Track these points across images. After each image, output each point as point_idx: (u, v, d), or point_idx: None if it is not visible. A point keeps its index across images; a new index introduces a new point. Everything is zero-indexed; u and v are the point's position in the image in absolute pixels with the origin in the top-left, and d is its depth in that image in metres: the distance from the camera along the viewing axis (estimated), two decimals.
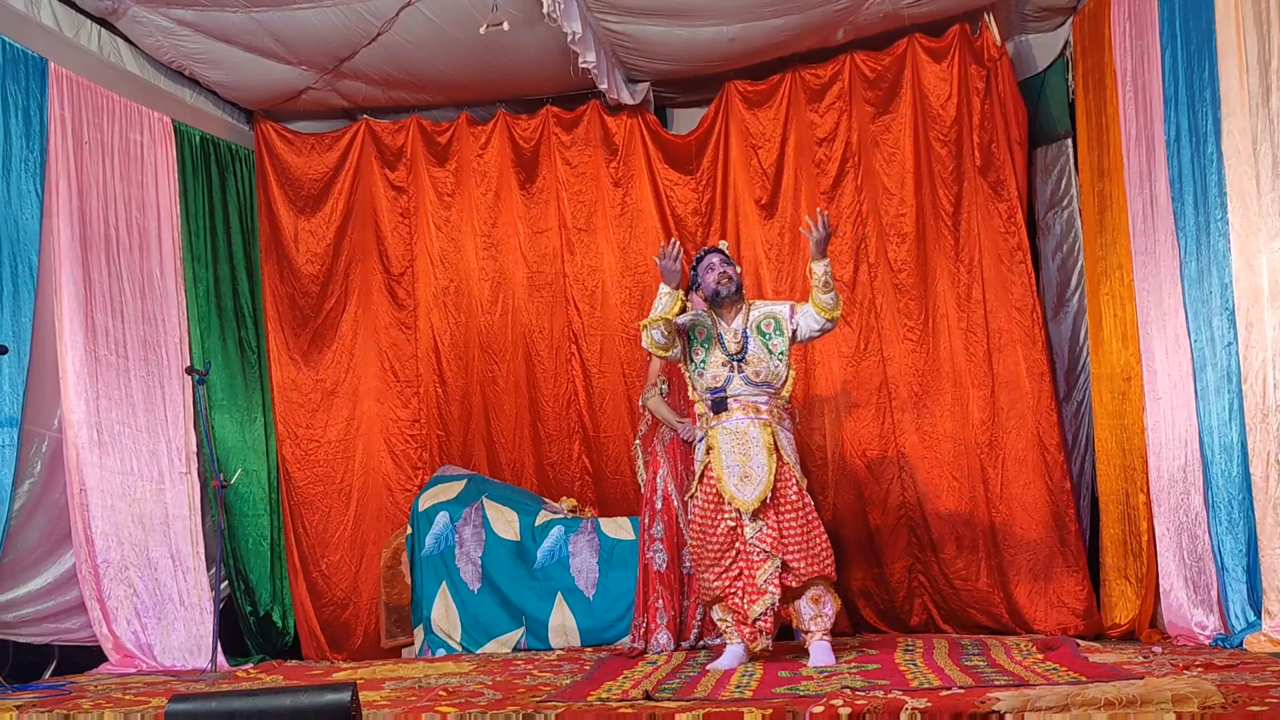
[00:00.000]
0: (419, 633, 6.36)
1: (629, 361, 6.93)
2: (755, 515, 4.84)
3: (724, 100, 6.99)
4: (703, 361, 5.07)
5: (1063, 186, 6.51)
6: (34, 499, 5.61)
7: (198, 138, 6.90)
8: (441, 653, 6.24)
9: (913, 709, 3.27)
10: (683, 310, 5.01)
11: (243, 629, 6.76)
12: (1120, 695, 3.17)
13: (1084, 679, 3.69)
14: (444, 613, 6.33)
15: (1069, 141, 6.42)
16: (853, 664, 4.65)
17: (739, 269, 5.22)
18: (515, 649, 6.21)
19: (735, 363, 5.00)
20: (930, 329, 6.50)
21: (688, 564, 5.44)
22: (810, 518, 4.90)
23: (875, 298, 6.60)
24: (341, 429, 7.18)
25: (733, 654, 4.89)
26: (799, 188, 6.81)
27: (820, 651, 4.84)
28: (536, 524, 6.38)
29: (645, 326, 4.99)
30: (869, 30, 6.54)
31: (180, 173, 6.69)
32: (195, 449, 6.43)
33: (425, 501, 6.52)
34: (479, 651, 6.21)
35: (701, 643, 5.34)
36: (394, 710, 3.90)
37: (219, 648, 5.81)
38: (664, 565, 5.45)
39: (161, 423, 6.31)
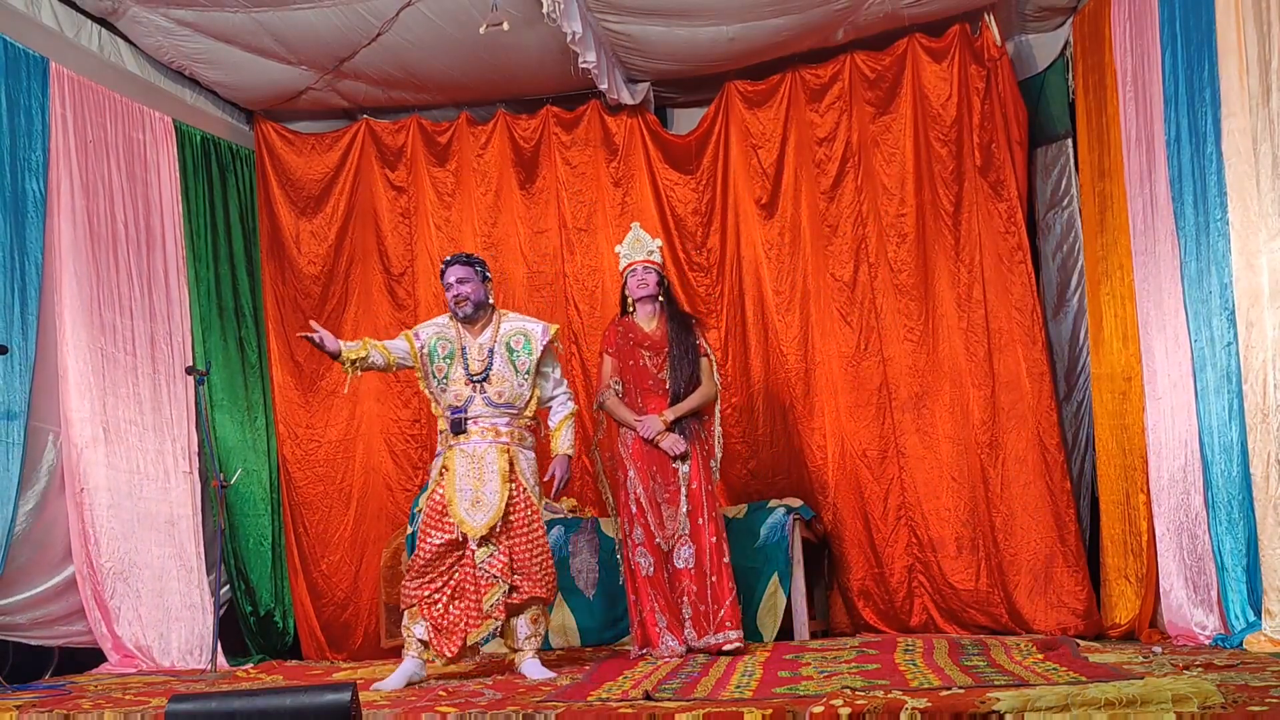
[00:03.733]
0: None
1: None
2: (484, 540, 4.72)
3: (724, 100, 7.00)
4: (445, 378, 4.88)
5: (1063, 186, 6.51)
6: (46, 500, 5.63)
7: (198, 137, 6.91)
8: None
9: (913, 709, 3.27)
10: (360, 361, 4.83)
11: (243, 629, 6.76)
12: (1120, 695, 3.17)
13: (1084, 679, 3.68)
14: None
15: (1069, 141, 6.42)
16: (853, 664, 4.65)
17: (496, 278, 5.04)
18: None
19: (477, 383, 4.83)
20: (930, 329, 6.50)
21: (680, 562, 5.33)
22: (538, 540, 4.83)
23: (875, 298, 6.60)
24: (342, 429, 7.18)
25: (405, 670, 4.69)
26: (799, 188, 6.81)
27: (533, 668, 4.77)
28: None
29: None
30: (869, 30, 6.55)
31: (181, 172, 6.69)
32: (197, 449, 6.44)
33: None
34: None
35: (701, 642, 5.27)
36: (394, 710, 3.90)
37: (219, 648, 5.81)
38: (651, 569, 5.29)
39: (167, 421, 6.32)
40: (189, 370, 6.19)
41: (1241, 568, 4.71)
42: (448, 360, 4.90)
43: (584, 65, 6.33)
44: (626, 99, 6.95)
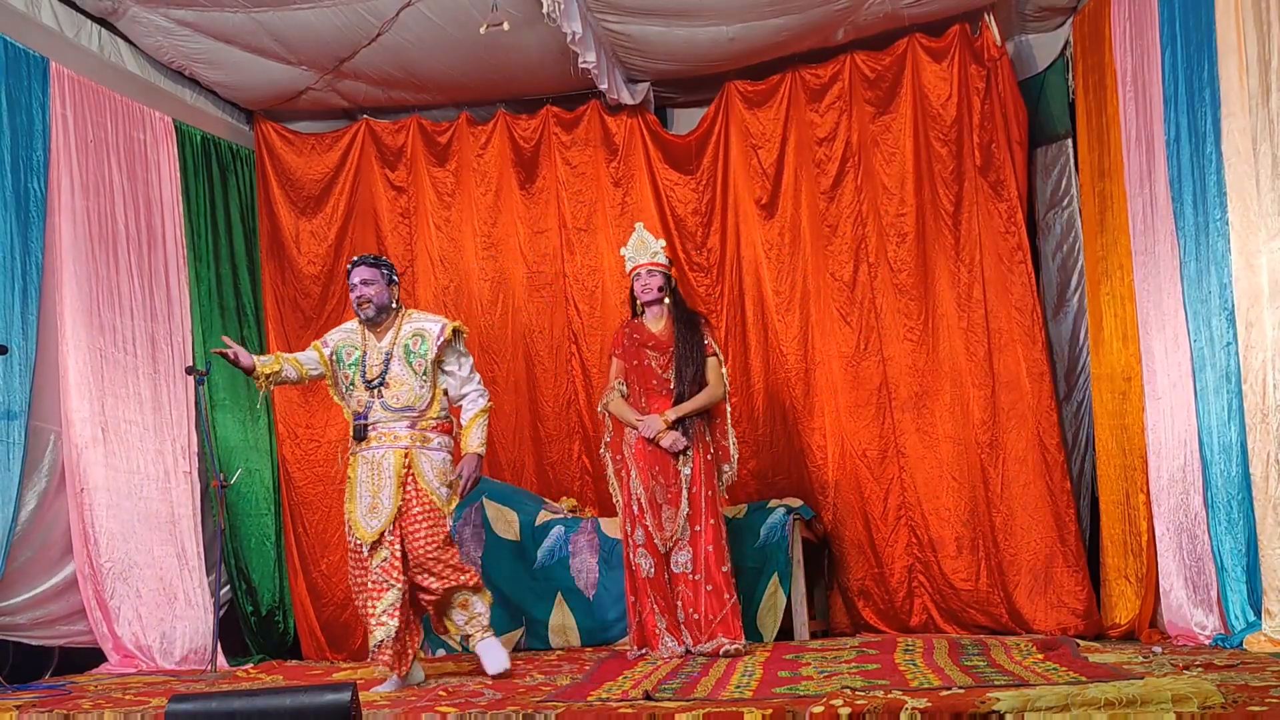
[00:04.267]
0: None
1: None
2: (377, 545, 4.69)
3: (724, 100, 7.00)
4: (351, 384, 4.87)
5: (1063, 186, 6.51)
6: (47, 500, 5.62)
7: (199, 137, 6.91)
8: (441, 653, 6.24)
9: (913, 709, 3.27)
10: (274, 375, 4.85)
11: (243, 629, 6.76)
12: (1120, 695, 3.17)
13: (1084, 679, 3.69)
14: None
15: (1069, 141, 6.42)
16: (853, 664, 4.65)
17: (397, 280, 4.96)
18: (515, 649, 6.21)
19: (374, 388, 4.80)
20: (930, 329, 6.50)
21: (677, 567, 5.30)
22: (436, 539, 4.72)
23: (875, 298, 6.60)
24: (342, 429, 7.10)
25: (391, 682, 4.72)
26: (799, 188, 6.81)
27: (488, 650, 4.76)
28: (536, 524, 6.38)
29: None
30: (869, 30, 6.55)
31: (182, 172, 6.69)
32: (197, 449, 6.44)
33: None
34: None
35: (697, 648, 5.24)
36: (394, 710, 3.90)
37: (219, 648, 5.81)
38: (652, 571, 5.28)
39: (167, 421, 6.31)
40: (189, 370, 6.19)
41: (1241, 568, 4.71)
42: (353, 367, 4.88)
43: (584, 65, 6.33)
44: (626, 99, 6.95)
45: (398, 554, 4.71)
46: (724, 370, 5.56)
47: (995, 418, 6.28)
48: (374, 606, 4.69)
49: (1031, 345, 6.24)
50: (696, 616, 5.24)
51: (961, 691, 3.56)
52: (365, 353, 4.87)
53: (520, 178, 7.24)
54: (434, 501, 4.76)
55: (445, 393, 4.92)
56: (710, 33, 6.45)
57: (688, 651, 5.22)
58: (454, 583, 4.79)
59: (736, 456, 5.56)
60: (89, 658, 5.76)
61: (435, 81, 7.02)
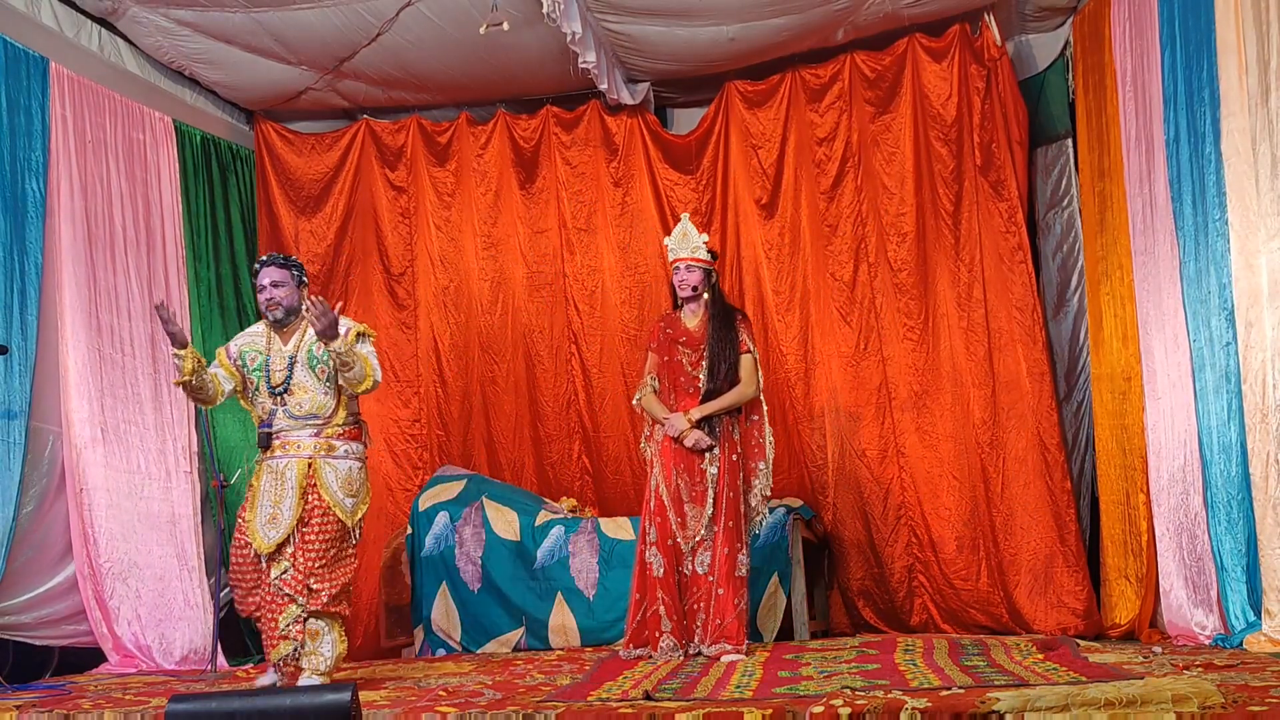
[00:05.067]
0: (419, 633, 6.37)
1: (629, 361, 6.93)
2: (276, 557, 4.54)
3: (724, 100, 7.00)
4: (255, 390, 4.71)
5: (1063, 186, 6.52)
6: (48, 500, 5.62)
7: (199, 137, 6.91)
8: (441, 653, 6.25)
9: (913, 709, 3.27)
10: (198, 369, 4.59)
11: (243, 629, 6.75)
12: (1120, 695, 3.18)
13: (1084, 679, 3.69)
14: (444, 613, 6.34)
15: (1069, 141, 6.42)
16: (853, 664, 4.65)
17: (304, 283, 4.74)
18: (515, 649, 6.21)
19: (277, 395, 4.62)
20: (930, 329, 6.50)
21: (689, 567, 5.26)
22: (329, 553, 4.54)
23: (875, 297, 6.60)
24: None
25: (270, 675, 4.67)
26: (799, 188, 6.81)
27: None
28: (536, 524, 6.38)
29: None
30: (869, 30, 6.55)
31: (182, 172, 6.69)
32: (197, 449, 6.44)
33: (425, 501, 6.52)
34: (479, 651, 6.21)
35: (701, 648, 5.22)
36: (394, 710, 3.90)
37: (219, 648, 5.81)
38: (662, 570, 5.22)
39: (167, 421, 6.31)
40: None
41: (1241, 568, 4.71)
42: (257, 372, 4.73)
43: (584, 65, 6.33)
44: (626, 99, 6.95)
45: (299, 563, 4.55)
46: (759, 369, 5.40)
47: (995, 417, 6.28)
48: (275, 622, 4.56)
49: (1031, 345, 6.24)
50: (704, 619, 5.18)
51: (961, 691, 3.57)
52: (269, 357, 4.72)
53: (520, 178, 7.25)
54: (336, 514, 4.59)
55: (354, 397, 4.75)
56: (710, 33, 6.45)
57: (687, 653, 5.20)
58: (320, 606, 4.54)
59: (772, 456, 5.39)
60: (89, 658, 5.76)
61: (435, 81, 7.03)
